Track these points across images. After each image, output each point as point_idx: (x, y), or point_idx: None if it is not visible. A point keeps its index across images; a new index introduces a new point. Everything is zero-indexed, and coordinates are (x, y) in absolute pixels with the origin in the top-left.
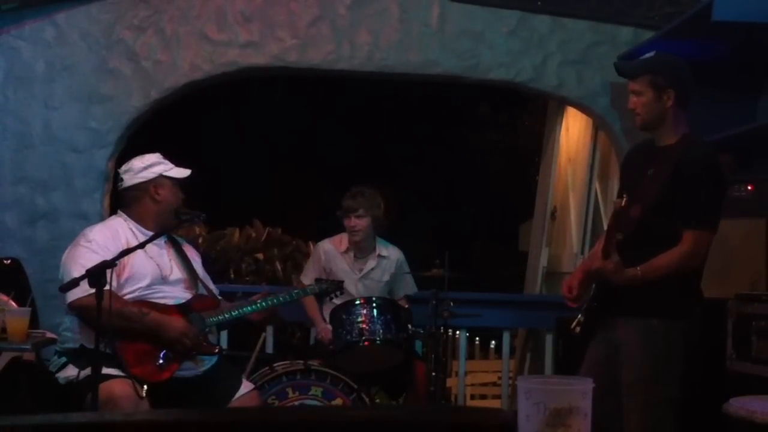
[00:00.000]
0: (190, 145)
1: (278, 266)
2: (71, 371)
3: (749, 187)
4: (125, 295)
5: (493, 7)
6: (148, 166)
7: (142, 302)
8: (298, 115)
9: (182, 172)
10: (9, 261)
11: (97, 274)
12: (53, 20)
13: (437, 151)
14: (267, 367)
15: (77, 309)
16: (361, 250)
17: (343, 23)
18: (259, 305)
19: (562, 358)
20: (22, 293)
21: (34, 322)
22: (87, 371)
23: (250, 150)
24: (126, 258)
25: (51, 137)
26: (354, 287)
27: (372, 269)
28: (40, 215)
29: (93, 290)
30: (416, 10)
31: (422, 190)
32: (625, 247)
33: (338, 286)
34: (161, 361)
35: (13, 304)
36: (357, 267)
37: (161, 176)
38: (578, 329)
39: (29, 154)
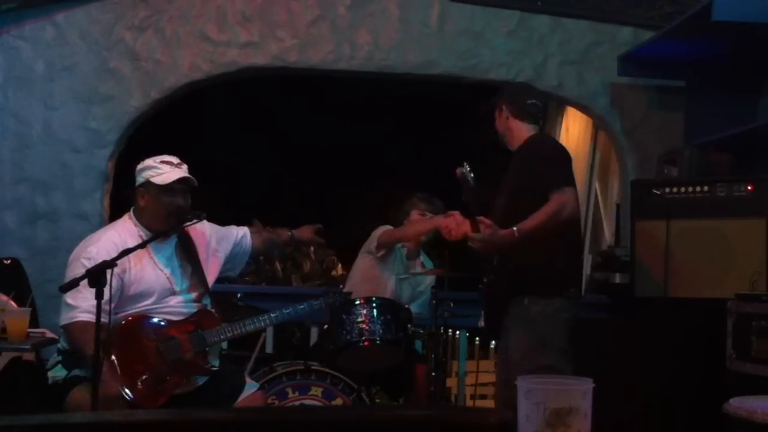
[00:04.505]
0: (190, 146)
1: (278, 266)
2: (60, 372)
3: (749, 187)
4: (128, 311)
5: (493, 7)
6: (140, 170)
7: (142, 315)
8: (298, 114)
9: (166, 179)
10: (9, 261)
11: (97, 274)
12: (53, 20)
13: (437, 151)
14: (267, 367)
15: (68, 332)
16: (413, 253)
17: (343, 23)
18: (262, 322)
19: None
20: (22, 293)
21: (34, 322)
22: (73, 374)
23: (250, 150)
24: (133, 272)
25: (51, 137)
26: (392, 283)
27: (413, 275)
28: (40, 215)
29: (82, 317)
30: (416, 10)
31: (422, 190)
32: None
33: (346, 297)
34: (157, 387)
35: (13, 304)
36: (403, 267)
37: (148, 182)
38: (482, 324)
39: (29, 154)
